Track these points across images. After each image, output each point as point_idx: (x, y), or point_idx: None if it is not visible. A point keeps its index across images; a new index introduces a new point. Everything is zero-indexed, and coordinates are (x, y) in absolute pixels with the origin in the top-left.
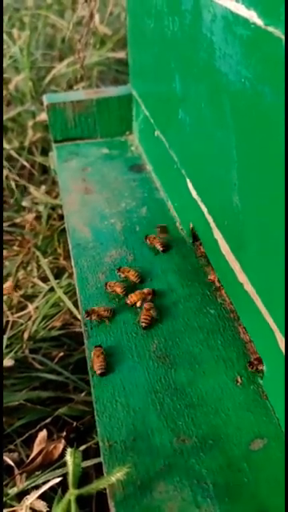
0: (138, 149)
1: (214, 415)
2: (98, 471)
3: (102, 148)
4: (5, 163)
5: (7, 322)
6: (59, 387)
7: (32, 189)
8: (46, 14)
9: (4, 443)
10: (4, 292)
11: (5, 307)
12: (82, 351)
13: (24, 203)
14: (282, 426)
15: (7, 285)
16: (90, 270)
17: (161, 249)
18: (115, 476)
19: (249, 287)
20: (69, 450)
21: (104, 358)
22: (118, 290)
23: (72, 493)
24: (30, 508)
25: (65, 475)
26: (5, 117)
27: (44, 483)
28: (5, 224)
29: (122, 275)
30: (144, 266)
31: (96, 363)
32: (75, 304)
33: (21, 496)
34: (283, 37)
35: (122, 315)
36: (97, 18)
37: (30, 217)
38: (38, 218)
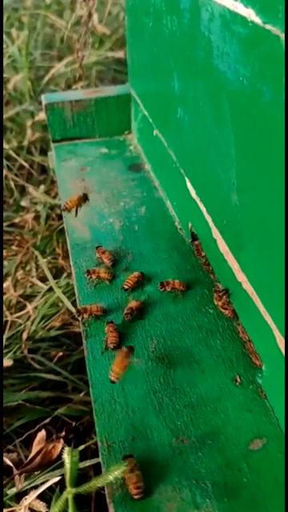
0: (136, 148)
1: (213, 415)
2: (96, 472)
3: (101, 147)
4: (4, 163)
5: (6, 321)
6: (58, 387)
7: (31, 188)
8: (45, 13)
9: (3, 443)
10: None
11: (4, 307)
12: (80, 351)
13: (23, 203)
14: (281, 426)
15: None
16: None
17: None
18: (113, 474)
19: (247, 286)
20: (66, 448)
21: (118, 333)
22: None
23: (69, 491)
24: (29, 508)
25: (64, 475)
26: (3, 116)
27: (43, 483)
28: (4, 224)
29: (94, 276)
30: (143, 266)
31: (109, 338)
32: (74, 304)
33: (20, 496)
34: (282, 35)
35: (120, 315)
36: (95, 17)
37: (29, 217)
38: (37, 217)
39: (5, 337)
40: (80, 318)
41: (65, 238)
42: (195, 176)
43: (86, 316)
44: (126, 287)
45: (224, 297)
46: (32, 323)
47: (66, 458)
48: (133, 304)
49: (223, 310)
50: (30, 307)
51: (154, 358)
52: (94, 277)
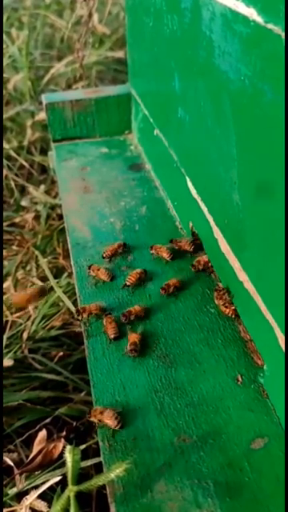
0: (137, 148)
1: (215, 414)
2: (98, 471)
3: (101, 147)
4: (4, 163)
5: (6, 321)
6: (59, 387)
7: (31, 188)
8: (45, 13)
9: (4, 443)
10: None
11: (4, 307)
12: (81, 351)
13: (23, 203)
14: (282, 425)
15: None
16: None
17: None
18: (114, 472)
19: (249, 285)
20: (68, 446)
21: (116, 324)
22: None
23: (71, 489)
24: (30, 508)
25: (65, 475)
26: (4, 116)
27: (43, 483)
28: (4, 224)
29: (92, 273)
30: (144, 266)
31: (109, 329)
32: (74, 303)
33: (20, 496)
34: (283, 34)
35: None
36: (95, 17)
37: (29, 216)
38: (37, 217)
39: (5, 337)
40: (80, 318)
41: (65, 237)
42: (196, 175)
43: (85, 315)
44: (128, 283)
45: (224, 296)
46: (32, 323)
47: (68, 456)
48: (134, 337)
49: (224, 309)
50: (30, 307)
51: (155, 358)
52: (92, 273)
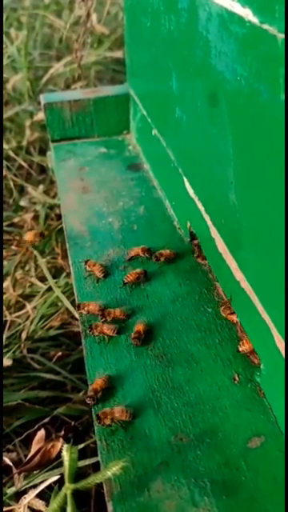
0: (135, 148)
1: (212, 413)
2: (95, 471)
3: (100, 147)
4: (3, 163)
5: (5, 321)
6: (57, 387)
7: (30, 188)
8: (44, 13)
9: (2, 443)
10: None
11: (3, 307)
12: (80, 351)
13: (22, 203)
14: (279, 424)
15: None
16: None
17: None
18: (111, 470)
19: (246, 285)
20: (65, 445)
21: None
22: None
23: (68, 487)
24: (28, 507)
25: (63, 474)
26: (3, 117)
27: (42, 482)
28: (3, 224)
29: (88, 268)
30: (142, 266)
31: (106, 328)
32: (73, 303)
33: (19, 495)
34: (278, 34)
35: None
36: (94, 17)
37: (28, 216)
38: (36, 217)
39: (4, 336)
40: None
41: (64, 237)
42: (193, 175)
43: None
44: (126, 281)
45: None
46: (31, 323)
47: (65, 454)
48: (98, 384)
49: (232, 317)
50: (29, 307)
51: (152, 357)
52: (88, 269)
